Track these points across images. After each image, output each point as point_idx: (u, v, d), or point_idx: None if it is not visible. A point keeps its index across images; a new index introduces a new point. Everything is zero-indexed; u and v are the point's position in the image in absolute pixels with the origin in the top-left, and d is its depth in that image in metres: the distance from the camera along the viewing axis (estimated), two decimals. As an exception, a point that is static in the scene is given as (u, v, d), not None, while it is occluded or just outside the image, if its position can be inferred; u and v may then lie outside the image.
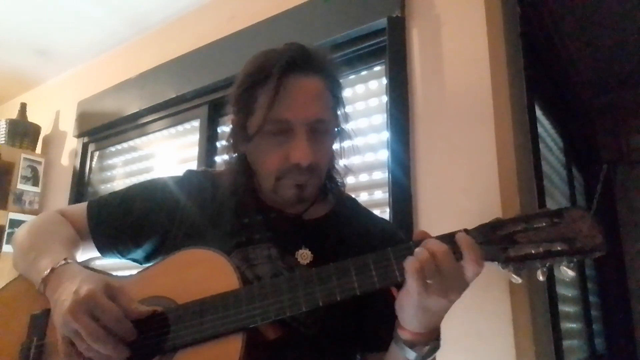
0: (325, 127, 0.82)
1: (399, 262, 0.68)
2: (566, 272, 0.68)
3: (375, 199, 1.66)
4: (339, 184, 0.93)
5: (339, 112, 0.87)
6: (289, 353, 0.77)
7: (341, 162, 0.92)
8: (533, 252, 0.67)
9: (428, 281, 0.65)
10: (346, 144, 0.91)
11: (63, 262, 0.79)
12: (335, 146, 0.89)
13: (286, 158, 0.80)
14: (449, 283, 0.65)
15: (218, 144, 2.23)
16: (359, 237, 0.87)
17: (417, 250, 0.67)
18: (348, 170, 0.93)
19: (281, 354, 0.76)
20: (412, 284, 0.66)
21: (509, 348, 1.27)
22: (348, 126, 0.91)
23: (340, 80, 0.88)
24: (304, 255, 0.83)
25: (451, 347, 1.29)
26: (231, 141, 0.88)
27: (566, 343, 1.83)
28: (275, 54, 0.81)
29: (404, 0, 1.67)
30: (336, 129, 0.87)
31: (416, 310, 0.69)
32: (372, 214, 0.97)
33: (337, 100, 0.86)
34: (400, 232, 0.94)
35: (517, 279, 0.68)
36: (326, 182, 0.90)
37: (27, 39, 2.78)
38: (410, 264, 0.66)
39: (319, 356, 0.80)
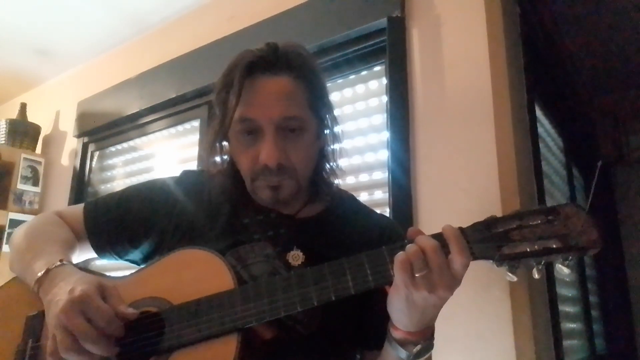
0: (298, 125, 0.81)
1: (393, 261, 0.68)
2: (562, 270, 0.67)
3: (375, 199, 1.66)
4: (330, 183, 0.91)
5: (321, 112, 0.86)
6: (285, 353, 0.76)
7: (330, 162, 0.90)
8: (528, 249, 0.66)
9: (416, 275, 0.65)
10: (335, 144, 0.90)
11: (58, 263, 0.79)
12: (322, 145, 0.88)
13: (256, 158, 0.80)
14: (436, 277, 0.65)
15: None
16: (356, 235, 0.87)
17: (407, 245, 0.67)
18: (338, 169, 0.91)
19: (277, 354, 0.75)
20: (399, 277, 0.66)
21: (509, 348, 1.27)
22: (338, 127, 0.90)
23: (322, 81, 0.87)
24: (296, 257, 0.82)
25: (451, 347, 1.30)
26: (214, 143, 0.88)
27: (566, 343, 1.83)
28: (246, 54, 0.81)
29: (404, 0, 1.67)
30: (319, 129, 0.86)
31: (404, 306, 0.69)
32: (371, 211, 0.96)
33: (317, 100, 0.84)
34: (399, 228, 0.94)
35: (512, 277, 0.68)
36: (316, 182, 0.89)
37: (27, 39, 2.78)
38: (398, 257, 0.66)
39: (316, 356, 0.79)
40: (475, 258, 0.68)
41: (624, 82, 3.14)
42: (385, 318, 0.74)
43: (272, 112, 0.79)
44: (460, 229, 0.70)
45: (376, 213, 0.97)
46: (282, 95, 0.80)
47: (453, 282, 0.66)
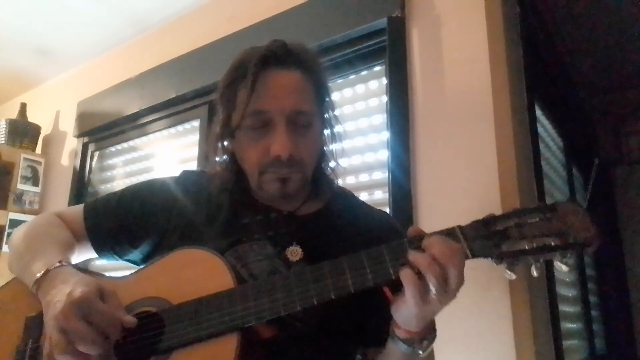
0: (307, 120, 0.82)
1: (392, 260, 0.68)
2: (560, 267, 0.68)
3: (375, 199, 1.66)
4: (331, 181, 0.92)
5: (324, 109, 0.87)
6: (284, 351, 0.76)
7: (332, 159, 0.91)
8: (526, 247, 0.66)
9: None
10: (336, 143, 0.91)
11: (57, 264, 0.79)
12: (324, 143, 0.89)
13: (267, 151, 0.80)
14: (448, 291, 0.66)
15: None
16: (355, 231, 0.87)
17: (419, 256, 0.66)
18: (339, 168, 0.92)
19: (277, 353, 0.76)
20: (411, 297, 0.66)
21: (509, 348, 1.27)
22: (340, 126, 0.91)
23: (326, 80, 0.88)
24: (294, 253, 0.82)
25: (451, 347, 1.30)
26: (219, 140, 0.88)
27: (566, 343, 1.83)
28: (255, 50, 0.82)
29: (404, 0, 1.67)
30: (323, 125, 0.87)
31: (412, 316, 0.70)
32: (370, 207, 0.96)
33: (321, 97, 0.86)
34: (398, 224, 0.95)
35: (511, 275, 0.68)
36: (317, 178, 0.90)
37: (27, 39, 2.78)
38: (409, 279, 0.65)
39: (316, 354, 0.79)
40: (474, 256, 0.68)
41: (624, 82, 3.14)
42: (386, 314, 0.74)
43: (285, 104, 0.80)
44: (460, 227, 0.70)
45: (375, 209, 0.97)
46: (293, 88, 0.81)
47: (460, 286, 0.67)
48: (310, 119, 0.83)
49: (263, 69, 0.80)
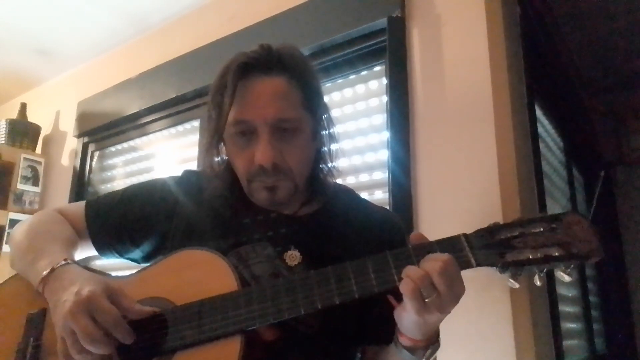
0: (293, 126, 0.80)
1: (397, 267, 0.68)
2: (562, 277, 0.68)
3: (375, 199, 1.66)
4: (328, 183, 0.91)
5: (316, 113, 0.85)
6: (288, 354, 0.76)
7: (327, 162, 0.90)
8: (530, 257, 0.67)
9: (426, 300, 0.65)
10: (332, 145, 0.89)
11: (63, 262, 0.78)
12: (318, 146, 0.88)
13: (252, 160, 0.80)
14: (446, 298, 0.66)
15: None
16: (355, 230, 0.86)
17: (411, 270, 0.67)
18: (335, 169, 0.91)
19: (280, 355, 0.76)
20: (410, 305, 0.66)
21: (509, 348, 1.27)
22: (335, 128, 0.90)
23: (317, 83, 0.86)
24: (293, 257, 0.82)
25: (451, 347, 1.30)
26: (210, 147, 0.88)
27: (566, 343, 1.83)
28: (239, 56, 0.81)
29: (404, 0, 1.67)
30: (315, 129, 0.86)
31: (414, 324, 0.70)
32: (369, 204, 0.96)
33: (311, 100, 0.84)
34: (399, 220, 0.94)
35: (514, 284, 0.68)
36: (314, 182, 0.89)
37: (27, 39, 2.78)
38: (407, 287, 0.65)
39: (318, 356, 0.80)
40: (478, 265, 0.68)
41: (624, 82, 3.14)
42: (386, 315, 0.74)
43: (267, 113, 0.78)
44: (465, 235, 0.70)
45: (375, 206, 0.96)
46: (276, 96, 0.79)
47: (460, 294, 0.67)
48: (297, 125, 0.81)
49: (244, 76, 0.79)
